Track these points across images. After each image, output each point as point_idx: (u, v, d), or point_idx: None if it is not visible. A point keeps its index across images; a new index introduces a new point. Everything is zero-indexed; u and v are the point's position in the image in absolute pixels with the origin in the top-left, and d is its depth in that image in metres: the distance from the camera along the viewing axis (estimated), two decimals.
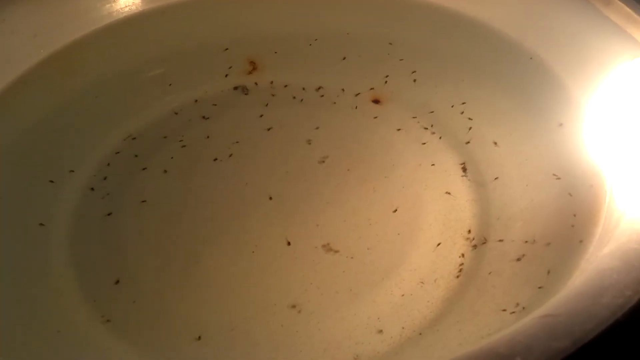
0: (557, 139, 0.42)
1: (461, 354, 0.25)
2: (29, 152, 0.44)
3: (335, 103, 0.50)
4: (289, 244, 0.41)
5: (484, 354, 0.24)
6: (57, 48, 0.47)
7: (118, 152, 0.47)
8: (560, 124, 0.42)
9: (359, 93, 0.51)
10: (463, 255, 0.40)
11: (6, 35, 0.46)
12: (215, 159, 0.47)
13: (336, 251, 0.41)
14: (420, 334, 0.36)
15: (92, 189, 0.45)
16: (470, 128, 0.47)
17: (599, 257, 0.28)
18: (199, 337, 0.37)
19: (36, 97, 0.45)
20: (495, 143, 0.45)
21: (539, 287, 0.35)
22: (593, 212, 0.35)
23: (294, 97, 0.51)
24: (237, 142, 0.48)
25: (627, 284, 0.25)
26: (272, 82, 0.52)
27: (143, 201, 0.44)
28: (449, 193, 0.43)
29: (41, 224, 0.42)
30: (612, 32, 0.39)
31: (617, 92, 0.38)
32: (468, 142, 0.46)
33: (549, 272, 0.35)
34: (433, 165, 0.45)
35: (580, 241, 0.34)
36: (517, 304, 0.35)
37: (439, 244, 0.41)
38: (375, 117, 0.49)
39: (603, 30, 0.40)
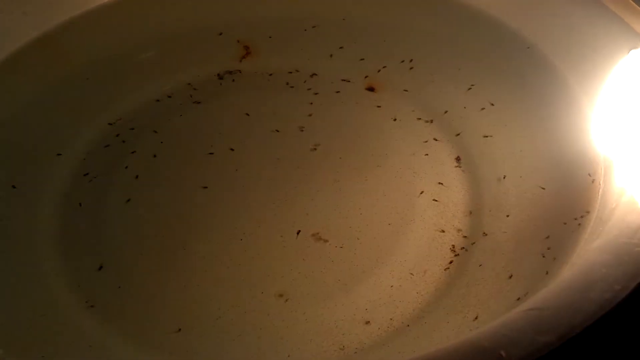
0: (554, 130, 0.41)
1: (444, 347, 0.24)
2: (16, 134, 0.43)
3: (329, 90, 0.49)
4: (278, 231, 0.40)
5: (467, 347, 0.24)
6: (47, 28, 0.46)
7: (107, 135, 0.47)
8: (557, 116, 0.41)
9: (353, 80, 0.50)
10: (454, 247, 0.39)
11: None
12: (206, 144, 0.46)
13: (325, 240, 0.40)
14: (408, 325, 0.36)
15: (79, 172, 0.44)
16: (466, 118, 0.46)
17: (589, 250, 0.28)
18: (183, 326, 0.36)
19: (25, 78, 0.45)
20: (491, 134, 0.44)
21: (530, 281, 0.34)
22: (587, 205, 0.35)
23: (287, 84, 0.50)
24: (228, 127, 0.47)
25: (616, 278, 0.25)
26: (265, 68, 0.51)
27: (131, 185, 0.44)
28: (442, 184, 0.43)
29: (27, 207, 0.41)
30: (611, 22, 0.39)
31: (615, 85, 0.38)
32: (463, 133, 0.45)
33: (539, 266, 0.34)
34: (427, 155, 0.45)
35: (573, 234, 0.33)
36: (507, 298, 0.34)
37: (429, 236, 0.40)
38: (370, 105, 0.48)
39: (602, 20, 0.39)
